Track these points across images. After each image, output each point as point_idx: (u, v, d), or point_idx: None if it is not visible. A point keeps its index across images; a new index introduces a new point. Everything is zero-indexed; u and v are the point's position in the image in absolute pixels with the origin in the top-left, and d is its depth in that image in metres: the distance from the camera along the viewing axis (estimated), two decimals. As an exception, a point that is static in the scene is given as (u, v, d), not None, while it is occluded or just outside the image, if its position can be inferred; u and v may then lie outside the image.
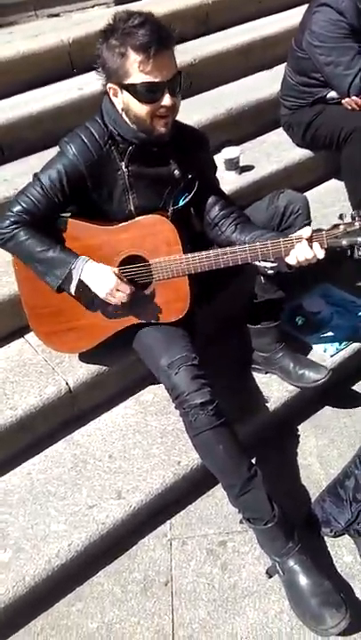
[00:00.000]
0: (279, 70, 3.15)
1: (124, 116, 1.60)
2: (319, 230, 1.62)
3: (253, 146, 2.86)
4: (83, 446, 1.96)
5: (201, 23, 3.42)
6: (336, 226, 1.59)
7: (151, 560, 1.79)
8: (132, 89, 1.52)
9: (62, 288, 1.70)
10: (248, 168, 2.65)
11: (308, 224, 1.88)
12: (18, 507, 1.80)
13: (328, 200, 2.75)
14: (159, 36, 1.45)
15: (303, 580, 1.54)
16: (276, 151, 2.79)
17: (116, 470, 1.87)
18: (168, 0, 3.52)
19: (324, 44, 2.33)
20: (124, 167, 1.68)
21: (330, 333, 2.25)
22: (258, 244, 1.62)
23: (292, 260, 1.61)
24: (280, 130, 2.90)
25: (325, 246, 1.59)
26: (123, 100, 1.56)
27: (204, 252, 1.66)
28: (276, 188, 2.55)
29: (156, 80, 1.49)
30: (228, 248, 1.65)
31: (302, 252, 1.58)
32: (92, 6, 3.72)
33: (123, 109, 1.59)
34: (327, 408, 2.20)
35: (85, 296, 1.74)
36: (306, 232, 1.59)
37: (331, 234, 1.59)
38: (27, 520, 1.76)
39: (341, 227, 1.58)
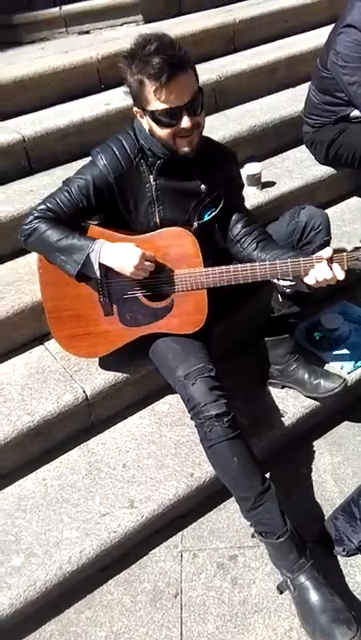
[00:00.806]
0: (303, 89, 3.18)
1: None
2: (340, 251, 1.62)
3: (276, 162, 2.88)
4: (97, 454, 1.98)
5: (228, 42, 3.48)
6: (358, 248, 1.59)
7: (161, 571, 1.79)
8: (151, 115, 1.57)
9: (82, 274, 1.70)
10: (270, 184, 2.67)
11: (328, 240, 1.90)
12: (32, 512, 1.82)
13: (348, 217, 2.76)
14: (171, 62, 1.48)
15: (314, 597, 1.53)
16: (298, 168, 2.81)
17: (130, 479, 1.89)
18: (196, 19, 3.62)
19: (348, 64, 2.35)
20: (152, 180, 1.72)
21: (347, 350, 2.24)
22: (278, 262, 1.64)
23: (311, 280, 1.62)
24: (303, 147, 2.93)
25: (346, 268, 1.60)
26: (147, 122, 1.62)
27: (223, 267, 1.68)
28: (298, 205, 2.60)
29: (173, 106, 1.53)
30: (248, 264, 1.67)
31: (322, 272, 1.59)
32: (122, 24, 3.82)
33: (149, 130, 1.64)
34: (343, 425, 2.19)
35: (109, 293, 1.75)
36: (326, 252, 1.60)
37: (352, 256, 1.59)
38: (40, 525, 1.78)
39: None
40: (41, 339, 2.20)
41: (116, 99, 2.86)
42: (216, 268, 1.69)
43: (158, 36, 1.54)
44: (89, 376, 2.03)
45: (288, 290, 1.75)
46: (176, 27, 3.46)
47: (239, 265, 1.68)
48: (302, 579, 1.56)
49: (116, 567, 1.81)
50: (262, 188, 2.63)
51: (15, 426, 1.87)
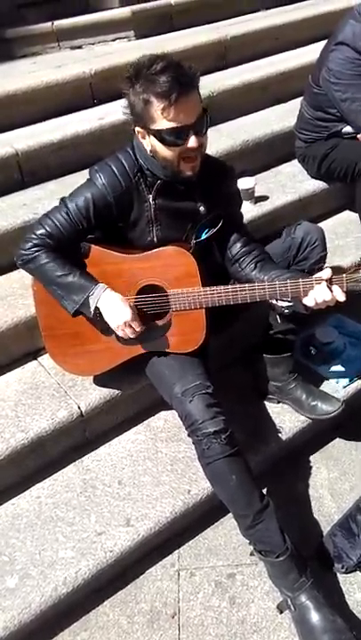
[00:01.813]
0: (295, 104, 3.21)
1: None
2: (339, 272, 1.61)
3: (268, 177, 2.89)
4: (92, 471, 1.95)
5: (220, 58, 3.51)
6: (358, 268, 1.58)
7: (158, 591, 1.76)
8: (157, 135, 1.55)
9: (79, 313, 1.71)
10: (263, 198, 2.68)
11: (325, 256, 1.90)
12: (26, 531, 1.78)
13: (341, 231, 2.77)
14: (180, 81, 1.47)
15: (315, 617, 1.51)
16: (290, 182, 2.83)
17: (125, 497, 1.86)
18: (188, 35, 3.66)
19: (340, 80, 2.38)
20: (150, 200, 1.70)
21: (343, 364, 2.24)
22: (277, 282, 1.63)
23: (310, 301, 1.60)
24: (295, 161, 2.94)
25: (345, 289, 1.59)
26: (150, 143, 1.60)
27: (222, 287, 1.67)
28: (291, 219, 2.61)
29: (180, 125, 1.52)
30: (246, 285, 1.66)
31: (322, 294, 1.58)
32: (114, 39, 3.84)
33: (151, 151, 1.62)
34: (339, 440, 2.18)
35: (102, 322, 1.75)
36: (326, 274, 1.59)
37: (352, 277, 1.58)
38: (34, 545, 1.75)
39: None
40: (35, 354, 2.18)
41: (110, 113, 2.86)
42: (215, 287, 1.68)
43: (165, 56, 1.54)
44: (84, 392, 2.01)
45: (286, 311, 1.74)
46: (168, 42, 3.49)
47: (238, 285, 1.66)
48: (303, 598, 1.54)
49: (112, 587, 1.77)
50: (256, 203, 2.64)
51: (9, 443, 1.84)
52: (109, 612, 1.72)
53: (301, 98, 2.75)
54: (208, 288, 1.69)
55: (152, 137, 1.57)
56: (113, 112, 2.91)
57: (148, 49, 3.21)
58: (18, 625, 1.59)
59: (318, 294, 1.59)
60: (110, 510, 1.82)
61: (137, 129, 1.61)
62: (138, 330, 1.70)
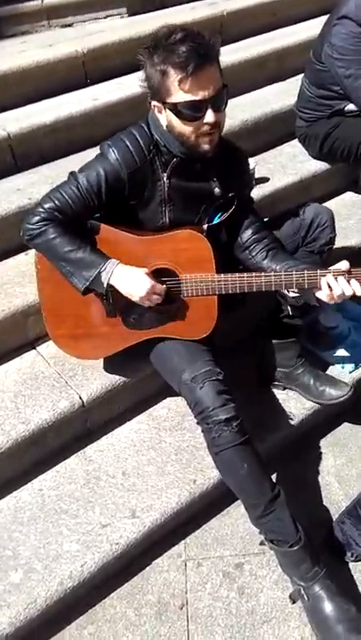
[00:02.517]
0: (294, 82, 3.14)
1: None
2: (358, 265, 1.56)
3: (269, 157, 2.82)
4: (95, 462, 1.91)
5: (216, 34, 3.39)
6: None
7: (165, 582, 1.73)
8: (173, 108, 1.48)
9: (89, 290, 1.63)
10: (264, 180, 2.61)
11: (334, 237, 1.86)
12: (29, 525, 1.74)
13: (344, 213, 2.72)
14: (198, 52, 1.40)
15: (328, 607, 1.49)
16: (291, 163, 2.76)
17: (130, 488, 1.82)
18: (183, 12, 3.54)
19: (344, 56, 2.30)
20: (165, 179, 1.63)
21: (348, 349, 2.20)
22: (294, 273, 1.57)
23: (325, 294, 1.55)
24: (295, 141, 2.87)
25: None
26: (167, 117, 1.53)
27: (237, 274, 1.61)
28: (292, 200, 2.56)
29: (198, 98, 1.44)
30: (262, 274, 1.60)
31: (339, 287, 1.53)
32: (105, 17, 3.72)
33: (167, 126, 1.55)
34: (345, 425, 2.15)
35: (110, 303, 1.69)
36: (344, 265, 1.54)
37: None
38: (38, 539, 1.71)
39: None
40: (33, 343, 2.12)
41: (104, 93, 2.79)
42: (229, 274, 1.62)
43: (184, 27, 1.46)
44: (85, 381, 1.96)
45: (297, 301, 1.69)
46: (162, 19, 3.34)
47: (254, 273, 1.61)
48: (316, 588, 1.51)
49: (119, 579, 1.74)
50: (257, 184, 2.57)
51: (9, 435, 1.79)
52: (116, 604, 1.69)
53: (302, 75, 2.67)
54: (222, 275, 1.62)
55: (168, 111, 1.51)
56: (107, 92, 2.83)
57: (142, 26, 3.15)
58: (24, 620, 1.56)
59: (336, 287, 1.53)
60: (115, 502, 1.79)
61: (153, 103, 1.54)
62: (162, 294, 1.62)
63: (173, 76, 1.44)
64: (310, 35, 3.19)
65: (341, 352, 2.19)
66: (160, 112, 1.55)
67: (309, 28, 3.28)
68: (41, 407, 1.88)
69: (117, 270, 1.60)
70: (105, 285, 1.60)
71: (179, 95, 1.46)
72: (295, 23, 3.59)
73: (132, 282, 1.60)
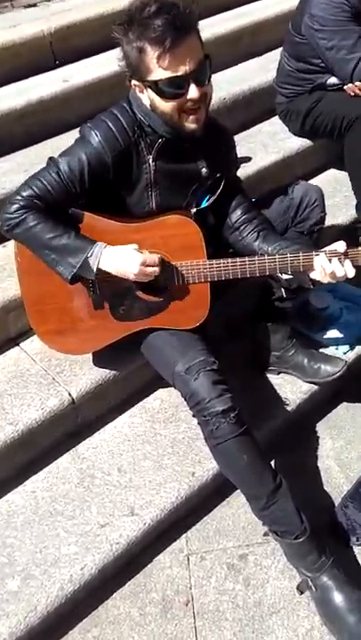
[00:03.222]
0: (270, 57, 3.07)
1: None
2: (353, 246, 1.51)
3: (249, 136, 2.74)
4: (89, 460, 1.84)
5: (191, 3, 3.29)
6: None
7: (169, 578, 1.68)
8: (154, 86, 1.40)
9: (77, 277, 1.53)
10: (246, 160, 2.53)
11: (324, 216, 1.81)
12: (24, 529, 1.67)
13: (329, 190, 2.64)
14: (175, 25, 1.31)
15: (338, 597, 1.46)
16: (272, 141, 2.69)
17: (127, 484, 1.76)
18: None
19: (324, 27, 2.22)
20: (150, 161, 1.55)
21: (340, 330, 2.16)
22: (288, 255, 1.51)
23: (318, 275, 1.51)
24: (275, 118, 2.80)
25: (359, 263, 1.49)
26: (148, 96, 1.45)
27: (230, 259, 1.55)
28: (277, 180, 2.49)
29: (179, 74, 1.36)
30: (256, 257, 1.54)
31: (334, 268, 1.47)
32: (70, -6, 3.57)
33: (150, 106, 1.47)
34: (341, 407, 2.12)
35: (97, 294, 1.62)
36: (340, 246, 1.48)
37: None
38: (34, 543, 1.64)
39: None
40: (16, 339, 2.03)
41: (75, 74, 2.67)
42: (221, 260, 1.55)
43: None
44: (73, 377, 1.88)
45: (291, 284, 1.63)
46: (130, -4, 3.26)
47: (247, 258, 1.54)
48: (324, 578, 1.48)
49: (120, 579, 1.69)
50: (238, 167, 2.49)
51: (-3, 438, 1.71)
52: (120, 604, 1.64)
53: (280, 49, 2.59)
54: (214, 260, 1.56)
55: (149, 89, 1.42)
56: (78, 73, 2.71)
57: (108, 2, 3.02)
58: (24, 629, 1.49)
59: (329, 268, 1.48)
60: (112, 500, 1.73)
61: (133, 82, 1.46)
62: (157, 265, 1.52)
63: (151, 53, 1.35)
64: (287, 7, 3.11)
65: (334, 333, 2.16)
66: (141, 91, 1.46)
67: (283, 2, 3.18)
68: (29, 406, 1.80)
69: (106, 252, 1.51)
70: (94, 270, 1.51)
71: (158, 72, 1.37)
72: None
73: (123, 259, 1.50)
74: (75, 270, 1.50)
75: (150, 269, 1.52)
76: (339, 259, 1.49)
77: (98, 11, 2.96)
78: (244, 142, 2.67)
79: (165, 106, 1.42)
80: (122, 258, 1.50)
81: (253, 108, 2.82)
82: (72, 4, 3.37)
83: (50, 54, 2.89)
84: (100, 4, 3.04)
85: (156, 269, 1.53)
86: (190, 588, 1.66)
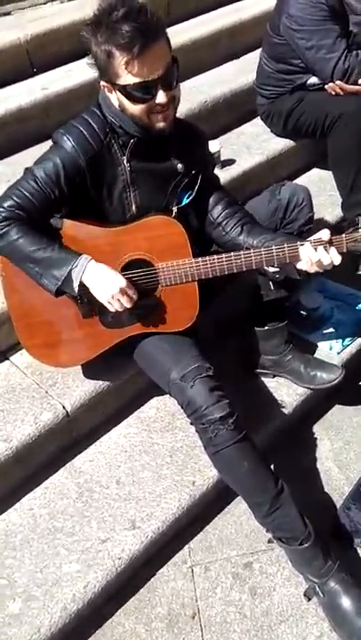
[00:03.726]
0: (249, 59, 3.07)
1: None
2: (336, 233, 1.51)
3: (231, 138, 2.74)
4: (86, 473, 1.80)
5: (163, 14, 3.26)
6: (356, 228, 1.48)
7: (173, 591, 1.65)
8: (122, 90, 1.40)
9: (61, 291, 1.51)
10: (230, 162, 2.53)
11: (312, 216, 1.79)
12: (22, 549, 1.63)
13: (314, 190, 2.58)
14: (142, 31, 1.31)
15: (346, 601, 1.44)
16: (255, 142, 2.68)
17: (127, 497, 1.73)
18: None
19: (303, 27, 2.22)
20: (125, 162, 1.54)
21: (333, 330, 2.16)
22: (273, 247, 1.50)
23: (305, 265, 1.50)
24: (256, 120, 2.80)
25: (344, 250, 1.49)
26: (117, 98, 1.45)
27: (215, 256, 1.53)
28: (261, 181, 2.48)
29: (147, 79, 1.36)
30: (241, 252, 1.53)
31: (320, 256, 1.47)
32: (45, 2, 3.53)
33: (119, 106, 1.46)
34: (337, 407, 2.11)
35: (84, 304, 1.59)
36: (325, 235, 1.48)
37: (351, 237, 1.48)
38: (34, 563, 1.59)
39: None
40: (5, 353, 1.98)
41: (54, 82, 2.66)
42: (207, 257, 1.54)
43: (125, 1, 1.35)
44: (66, 389, 1.84)
45: (278, 276, 1.62)
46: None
47: (232, 253, 1.53)
48: (331, 583, 1.46)
49: (124, 594, 1.65)
50: (223, 167, 2.48)
51: (-9, 456, 1.67)
52: (124, 621, 1.60)
53: (259, 50, 2.58)
54: (200, 258, 1.54)
55: (118, 92, 1.42)
56: (57, 80, 2.69)
57: (83, 8, 2.99)
58: (28, 653, 1.45)
59: (315, 257, 1.48)
60: (112, 514, 1.69)
61: (102, 83, 1.45)
62: (134, 298, 1.51)
63: (119, 58, 1.35)
64: (263, 8, 3.12)
65: (327, 333, 2.15)
66: (110, 92, 1.46)
67: (262, 2, 3.19)
68: (22, 422, 1.75)
69: (90, 267, 1.49)
70: (76, 285, 1.49)
71: (127, 78, 1.37)
72: (244, -2, 3.50)
73: (103, 280, 1.49)
74: (59, 283, 1.48)
75: (125, 299, 1.50)
76: (324, 247, 1.48)
77: (73, 17, 2.93)
78: (228, 145, 2.66)
79: (134, 109, 1.43)
80: (103, 278, 1.49)
81: (235, 110, 2.82)
82: (47, 12, 3.35)
83: (27, 62, 2.86)
84: (76, 10, 3.02)
85: (129, 304, 1.51)
86: (196, 601, 1.62)
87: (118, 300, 1.50)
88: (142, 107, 1.41)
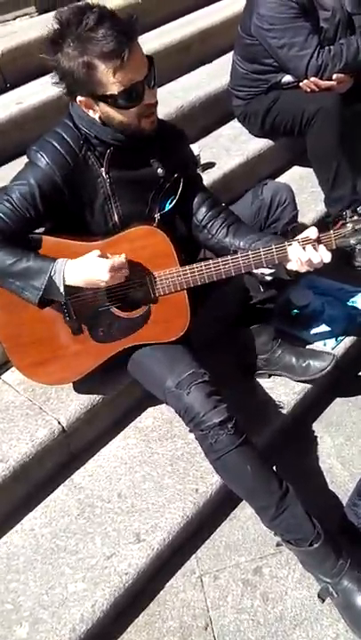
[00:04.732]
0: (221, 63, 3.07)
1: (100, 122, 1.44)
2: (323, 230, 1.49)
3: (210, 142, 2.73)
4: (87, 489, 1.76)
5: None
6: (343, 224, 1.45)
7: (184, 603, 1.61)
8: (110, 100, 1.35)
9: (46, 300, 1.47)
10: (210, 165, 2.52)
11: (296, 214, 1.78)
12: (26, 571, 1.59)
13: (295, 188, 2.55)
14: (124, 34, 1.27)
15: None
16: (234, 144, 2.68)
17: (129, 510, 1.69)
18: (97, 2, 3.38)
19: (274, 26, 2.22)
20: (104, 174, 1.50)
21: (326, 325, 2.14)
22: (261, 250, 1.47)
23: (295, 265, 1.47)
24: (233, 122, 2.80)
25: (333, 247, 1.46)
26: (100, 110, 1.40)
27: (203, 263, 1.50)
28: (242, 182, 2.47)
29: (134, 82, 1.33)
30: (228, 257, 1.50)
31: (310, 255, 1.44)
32: (14, 18, 3.52)
33: (102, 119, 1.42)
34: (335, 403, 2.09)
35: (75, 314, 1.56)
36: (313, 233, 1.45)
37: (339, 234, 1.45)
38: (39, 585, 1.55)
39: (349, 225, 1.45)
40: (-5, 372, 1.95)
41: (29, 96, 2.62)
42: (194, 265, 1.51)
43: (88, 5, 1.31)
44: (60, 404, 1.81)
45: (268, 277, 1.60)
46: (75, 13, 3.22)
47: (220, 259, 1.50)
48: (345, 582, 1.44)
49: (134, 610, 1.61)
50: (203, 170, 2.47)
51: (-12, 478, 1.63)
52: (136, 638, 1.56)
53: (231, 53, 2.58)
54: (187, 266, 1.52)
55: (102, 104, 1.37)
56: (31, 94, 2.66)
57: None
58: None
59: (305, 256, 1.44)
60: (115, 528, 1.65)
61: (79, 99, 1.39)
62: (124, 261, 1.46)
63: (104, 68, 1.30)
64: (232, 11, 3.13)
65: (320, 329, 2.13)
66: (89, 107, 1.41)
67: (231, 4, 3.20)
68: (18, 440, 1.72)
69: (69, 267, 1.45)
70: (62, 290, 1.45)
71: (115, 86, 1.33)
72: (214, 2, 3.49)
73: (90, 269, 1.44)
74: (40, 293, 1.45)
75: (121, 272, 1.47)
76: (313, 245, 1.46)
77: (43, 31, 2.88)
78: (206, 148, 2.65)
79: (123, 116, 1.39)
80: (88, 267, 1.45)
81: (211, 113, 2.81)
82: (17, 27, 3.34)
83: (0, 77, 2.84)
84: (44, 24, 2.99)
85: (126, 270, 1.48)
86: (207, 611, 1.59)
87: (113, 277, 1.45)
88: (132, 112, 1.37)
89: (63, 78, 1.37)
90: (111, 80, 1.31)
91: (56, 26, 1.32)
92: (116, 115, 1.39)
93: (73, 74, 1.33)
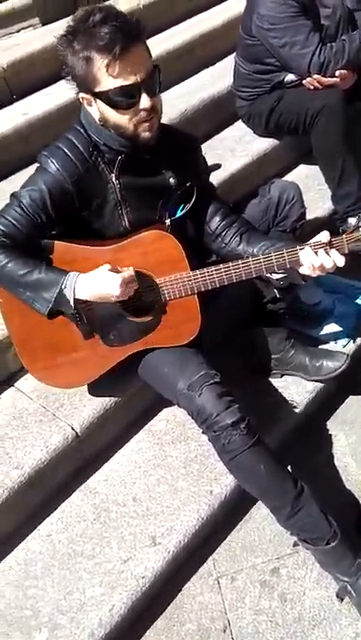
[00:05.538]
0: (224, 65, 3.08)
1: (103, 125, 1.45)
2: (336, 234, 1.47)
3: (215, 144, 2.73)
4: (101, 493, 1.77)
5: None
6: (356, 227, 1.44)
7: (201, 606, 1.61)
8: (104, 97, 1.36)
9: (55, 312, 1.49)
10: (216, 167, 2.52)
11: (304, 212, 1.78)
12: (44, 577, 1.60)
13: (302, 186, 2.52)
14: (123, 31, 1.28)
15: (379, 598, 1.40)
16: (239, 145, 2.68)
17: (145, 514, 1.69)
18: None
19: (275, 25, 2.22)
20: (114, 180, 1.51)
21: (337, 323, 2.13)
22: (273, 254, 1.46)
23: (307, 269, 1.45)
24: (238, 123, 2.80)
25: (346, 251, 1.44)
26: (98, 109, 1.41)
27: (213, 267, 1.50)
28: (249, 183, 2.48)
29: (129, 82, 1.33)
30: (240, 261, 1.49)
31: (322, 260, 1.43)
32: (18, 30, 3.56)
33: (100, 119, 1.43)
34: (349, 401, 2.07)
35: (84, 324, 1.57)
36: (324, 237, 1.44)
37: (352, 237, 1.43)
38: (57, 590, 1.56)
39: None
40: (8, 381, 1.96)
41: (34, 106, 2.66)
42: (205, 269, 1.51)
43: (103, 6, 1.35)
44: (73, 410, 1.82)
45: (282, 282, 1.59)
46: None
47: (230, 262, 1.49)
48: (363, 580, 1.42)
49: (151, 614, 1.61)
50: (209, 173, 2.47)
51: (4, 485, 1.64)
52: (154, 642, 1.57)
53: (233, 55, 2.59)
54: (198, 271, 1.51)
55: (99, 102, 1.39)
56: (37, 104, 2.70)
57: (55, 32, 3.01)
58: None
59: (317, 261, 1.43)
60: (131, 532, 1.66)
61: (81, 95, 1.42)
62: (133, 276, 1.48)
63: (99, 61, 1.32)
64: (232, 14, 3.14)
65: (331, 327, 2.12)
66: (90, 104, 1.43)
67: (229, 8, 3.21)
68: (32, 447, 1.73)
69: (80, 281, 1.46)
70: (72, 303, 1.47)
71: (108, 82, 1.34)
72: (214, 6, 3.51)
73: (101, 284, 1.45)
74: (50, 305, 1.46)
75: (131, 286, 1.48)
76: (325, 250, 1.44)
77: (46, 42, 2.95)
78: (212, 150, 2.66)
79: (118, 117, 1.40)
80: (99, 283, 1.46)
81: (215, 116, 2.81)
82: (21, 39, 3.39)
83: (6, 90, 2.88)
84: (48, 35, 3.04)
85: (136, 284, 1.49)
86: (225, 613, 1.58)
87: (124, 293, 1.46)
88: (127, 114, 1.38)
89: (70, 74, 1.40)
90: (105, 75, 1.33)
91: (71, 23, 1.37)
92: (111, 115, 1.39)
93: (75, 68, 1.36)
